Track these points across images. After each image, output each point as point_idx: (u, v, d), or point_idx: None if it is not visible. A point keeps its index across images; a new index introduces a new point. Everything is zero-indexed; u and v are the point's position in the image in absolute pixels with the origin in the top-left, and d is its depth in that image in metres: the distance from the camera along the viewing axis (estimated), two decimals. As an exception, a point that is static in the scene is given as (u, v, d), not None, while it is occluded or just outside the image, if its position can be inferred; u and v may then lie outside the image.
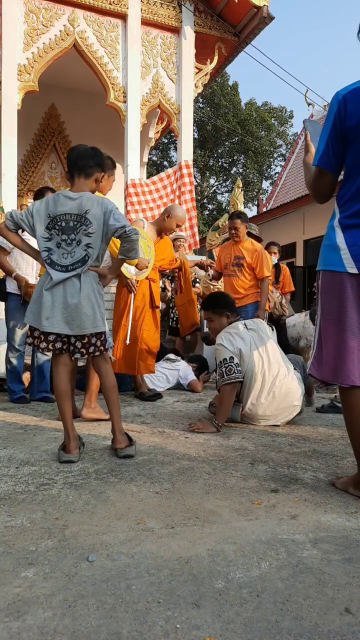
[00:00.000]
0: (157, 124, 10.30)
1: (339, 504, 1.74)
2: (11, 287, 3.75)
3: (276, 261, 5.45)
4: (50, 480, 1.91)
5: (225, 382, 2.83)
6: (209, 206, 27.82)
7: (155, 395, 3.95)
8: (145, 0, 7.62)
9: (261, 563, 1.30)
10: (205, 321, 4.99)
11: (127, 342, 3.69)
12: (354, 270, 1.74)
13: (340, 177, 1.86)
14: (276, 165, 27.38)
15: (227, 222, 7.04)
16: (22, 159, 9.57)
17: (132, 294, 3.71)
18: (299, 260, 13.79)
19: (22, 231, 2.32)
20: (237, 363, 2.85)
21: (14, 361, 3.78)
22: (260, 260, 4.47)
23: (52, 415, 3.18)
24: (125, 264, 3.56)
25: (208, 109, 25.50)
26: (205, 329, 4.89)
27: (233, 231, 4.52)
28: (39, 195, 3.75)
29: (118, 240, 2.28)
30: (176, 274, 4.39)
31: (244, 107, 25.75)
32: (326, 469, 2.16)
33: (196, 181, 24.75)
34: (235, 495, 1.80)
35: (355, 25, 1.75)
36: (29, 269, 3.78)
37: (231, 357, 2.84)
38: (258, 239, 5.62)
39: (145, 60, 7.79)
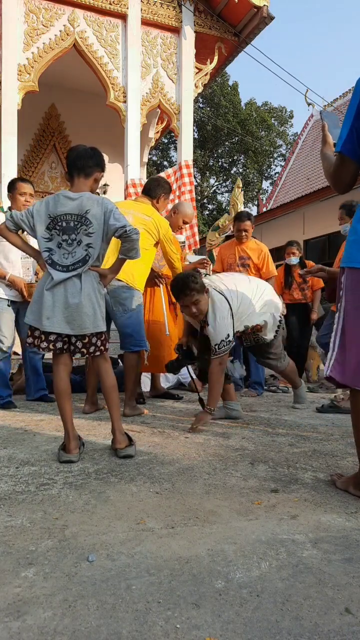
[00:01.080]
0: (157, 124, 10.30)
1: (339, 504, 1.74)
2: None
3: (298, 260, 5.36)
4: (50, 480, 1.91)
5: (216, 356, 2.90)
6: (209, 206, 27.83)
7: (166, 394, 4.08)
8: (145, 0, 7.62)
9: (261, 563, 1.30)
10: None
11: (167, 333, 3.78)
12: None
13: None
14: (276, 165, 27.40)
15: (227, 222, 7.04)
16: (22, 159, 9.57)
17: (161, 287, 3.78)
18: (299, 260, 13.76)
19: (23, 232, 2.32)
20: (230, 340, 2.91)
21: (0, 364, 3.56)
22: (266, 259, 4.48)
23: (52, 415, 3.18)
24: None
25: (208, 109, 25.50)
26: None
27: (244, 233, 4.44)
28: (10, 187, 3.61)
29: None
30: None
31: (244, 107, 25.75)
32: (326, 469, 2.16)
33: (196, 181, 24.75)
34: (235, 495, 1.80)
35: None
36: (15, 272, 3.58)
37: (227, 335, 2.90)
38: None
39: (145, 60, 7.79)
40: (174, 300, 3.93)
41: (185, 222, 4.01)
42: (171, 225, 3.94)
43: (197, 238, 8.00)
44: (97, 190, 2.92)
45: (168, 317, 3.78)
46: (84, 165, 2.26)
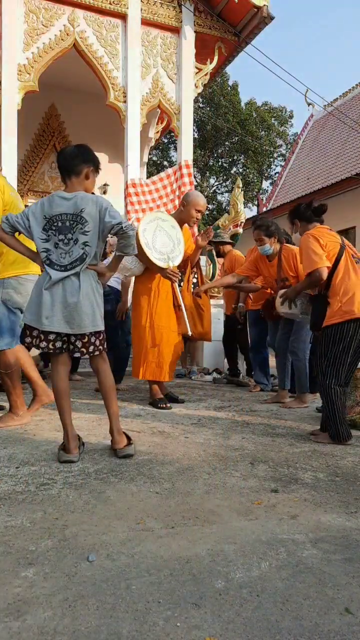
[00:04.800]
0: (157, 124, 10.30)
1: (339, 504, 1.74)
2: None
3: (271, 250, 5.34)
4: (50, 480, 1.91)
5: None
6: (209, 206, 27.80)
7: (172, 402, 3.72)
8: (145, 0, 7.61)
9: (261, 563, 1.30)
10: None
11: (190, 333, 3.54)
12: None
13: None
14: (276, 165, 27.38)
15: (227, 222, 7.04)
16: (22, 159, 9.57)
17: (176, 284, 3.51)
18: (300, 260, 13.75)
19: (19, 234, 2.32)
20: None
21: None
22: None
23: (52, 415, 3.18)
24: (154, 255, 3.41)
25: (208, 109, 25.49)
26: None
27: (258, 243, 4.11)
28: None
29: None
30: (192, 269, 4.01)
31: (244, 107, 25.74)
32: (326, 469, 2.16)
33: (196, 181, 24.73)
34: (235, 495, 1.80)
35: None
36: None
37: None
38: (231, 244, 5.55)
39: (145, 60, 7.79)
40: (179, 302, 3.66)
41: (198, 211, 3.65)
42: (186, 219, 3.67)
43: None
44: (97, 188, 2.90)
45: (159, 325, 3.50)
46: (70, 165, 2.27)
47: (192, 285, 4.06)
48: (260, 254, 4.03)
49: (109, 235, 2.38)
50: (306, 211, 2.91)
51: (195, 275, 4.62)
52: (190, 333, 3.57)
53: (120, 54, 7.59)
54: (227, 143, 26.38)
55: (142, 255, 3.40)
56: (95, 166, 2.33)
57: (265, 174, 27.64)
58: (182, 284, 3.87)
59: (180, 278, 3.57)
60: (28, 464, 2.11)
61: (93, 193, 2.36)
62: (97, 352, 2.28)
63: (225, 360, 5.89)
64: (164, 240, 3.47)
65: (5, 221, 2.26)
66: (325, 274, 2.67)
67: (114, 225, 2.18)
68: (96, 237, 2.22)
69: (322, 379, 2.68)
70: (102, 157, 2.45)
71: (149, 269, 3.53)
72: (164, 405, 3.54)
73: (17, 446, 2.40)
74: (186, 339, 5.19)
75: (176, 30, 7.96)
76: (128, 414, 3.26)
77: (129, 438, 2.33)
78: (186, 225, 3.79)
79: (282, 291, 3.24)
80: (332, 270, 2.69)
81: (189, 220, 3.69)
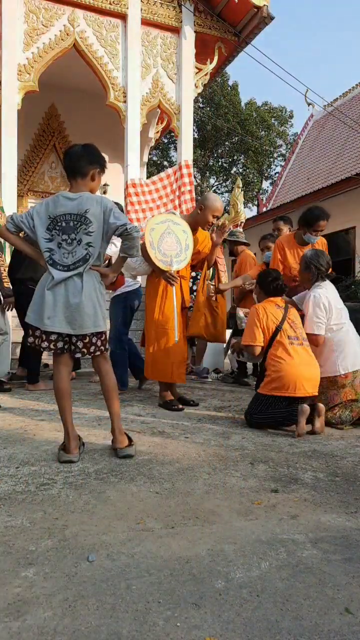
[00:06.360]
0: (157, 124, 10.31)
1: (339, 504, 1.74)
2: None
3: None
4: (50, 480, 1.91)
5: None
6: (209, 206, 27.77)
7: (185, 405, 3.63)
8: (145, 0, 7.62)
9: (261, 563, 1.30)
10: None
11: (176, 339, 3.42)
12: None
13: None
14: (276, 165, 27.39)
15: (227, 222, 7.03)
16: (22, 159, 9.57)
17: (174, 287, 3.41)
18: (299, 260, 13.73)
19: (24, 233, 2.32)
20: None
21: None
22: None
23: (52, 415, 3.18)
24: (156, 256, 3.37)
25: (208, 109, 25.49)
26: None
27: (321, 233, 3.93)
28: None
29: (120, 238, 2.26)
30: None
31: (244, 107, 25.74)
32: (326, 469, 2.16)
33: (196, 181, 24.71)
34: (235, 495, 1.80)
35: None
36: None
37: None
38: (245, 244, 5.50)
39: (145, 60, 7.79)
40: (187, 304, 3.64)
41: (215, 217, 3.57)
42: (200, 222, 3.61)
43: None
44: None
45: (178, 322, 3.43)
46: (76, 167, 2.26)
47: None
48: (309, 242, 3.88)
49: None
50: (269, 285, 3.22)
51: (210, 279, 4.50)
52: (177, 339, 3.44)
53: (120, 54, 7.60)
54: (227, 143, 26.38)
55: (144, 253, 3.39)
56: (102, 167, 2.32)
57: (265, 174, 27.63)
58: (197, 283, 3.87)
59: (176, 283, 3.47)
60: (28, 464, 2.11)
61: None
62: (98, 353, 2.28)
63: (228, 360, 5.89)
64: (170, 243, 3.41)
65: (10, 221, 2.26)
66: (257, 352, 3.05)
67: (119, 227, 2.18)
68: (100, 238, 2.22)
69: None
70: (102, 157, 2.44)
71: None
72: (177, 407, 3.49)
73: (17, 446, 2.40)
74: (193, 340, 5.13)
75: (176, 30, 7.97)
76: (128, 414, 3.26)
77: (130, 439, 2.33)
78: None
79: (233, 342, 3.45)
80: (268, 347, 3.01)
81: (205, 224, 3.62)
